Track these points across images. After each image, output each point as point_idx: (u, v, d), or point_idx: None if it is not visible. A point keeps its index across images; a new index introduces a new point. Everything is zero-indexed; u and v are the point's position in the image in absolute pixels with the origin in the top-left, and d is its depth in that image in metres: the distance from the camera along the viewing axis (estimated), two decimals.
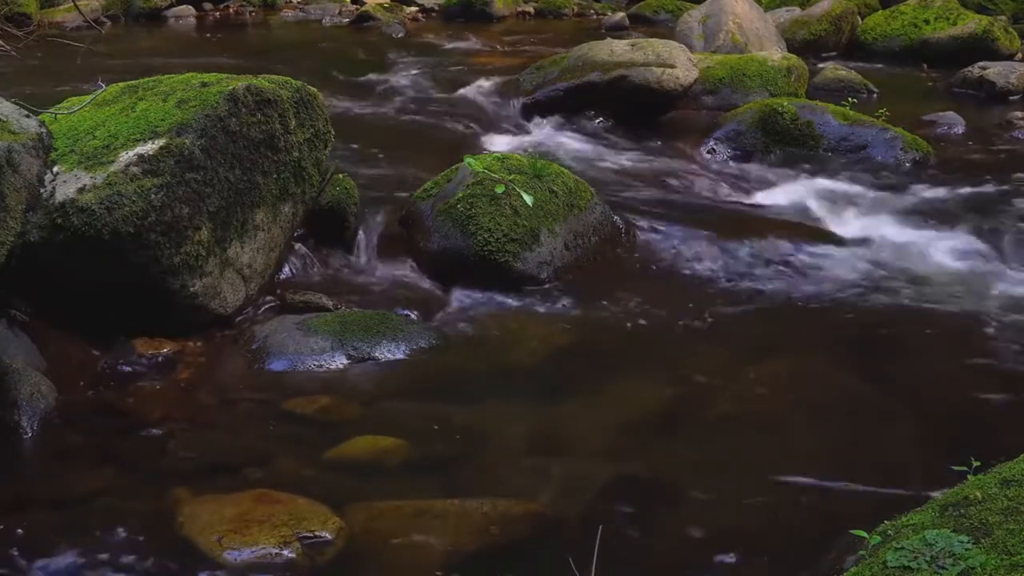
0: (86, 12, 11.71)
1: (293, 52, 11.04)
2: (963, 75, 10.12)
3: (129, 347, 4.54)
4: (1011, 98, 9.69)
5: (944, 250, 5.94)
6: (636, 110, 7.96)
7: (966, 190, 6.90)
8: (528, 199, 5.01)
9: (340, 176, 5.63)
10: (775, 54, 9.12)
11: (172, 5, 13.44)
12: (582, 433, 4.14)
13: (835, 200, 6.72)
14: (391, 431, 4.04)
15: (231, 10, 13.98)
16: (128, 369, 4.46)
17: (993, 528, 2.63)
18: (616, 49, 8.21)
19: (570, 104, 8.08)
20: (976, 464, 3.02)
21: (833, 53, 11.33)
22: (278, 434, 4.09)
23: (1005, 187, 7.02)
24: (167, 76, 5.16)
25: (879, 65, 10.94)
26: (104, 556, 3.30)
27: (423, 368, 4.59)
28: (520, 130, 7.95)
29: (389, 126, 8.01)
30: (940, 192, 6.89)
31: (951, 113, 8.83)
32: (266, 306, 5.04)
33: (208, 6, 13.84)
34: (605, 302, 5.25)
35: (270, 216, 5.03)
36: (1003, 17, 12.26)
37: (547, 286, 5.35)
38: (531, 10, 14.43)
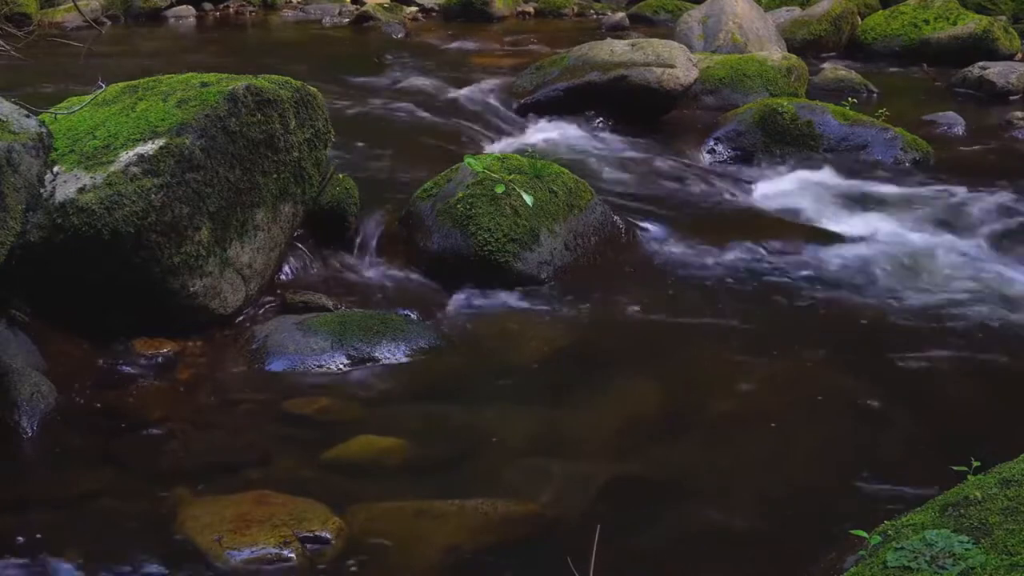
0: (86, 12, 11.71)
1: (293, 52, 11.04)
2: (963, 75, 10.13)
3: (129, 347, 4.54)
4: (1011, 98, 9.70)
5: (944, 250, 5.94)
6: (636, 110, 7.95)
7: (966, 190, 6.90)
8: (528, 199, 5.02)
9: (340, 176, 5.63)
10: (775, 54, 9.12)
11: (172, 5, 13.45)
12: (582, 433, 4.14)
13: (835, 200, 6.72)
14: (391, 431, 4.04)
15: (231, 10, 13.98)
16: (128, 369, 4.46)
17: (993, 528, 2.63)
18: (616, 49, 8.21)
19: (570, 104, 8.08)
20: (976, 464, 3.02)
21: (833, 53, 11.33)
22: (278, 434, 4.09)
23: (1005, 187, 7.02)
24: (167, 76, 5.16)
25: (879, 65, 10.95)
26: (104, 556, 3.30)
27: (423, 368, 4.59)
28: (520, 130, 7.95)
29: (389, 126, 8.00)
30: (940, 192, 6.90)
31: (951, 113, 8.84)
32: (266, 306, 5.04)
33: (208, 6, 13.84)
34: (605, 302, 5.24)
35: (270, 216, 5.03)
36: (1003, 17, 12.27)
37: (547, 286, 5.35)
38: (531, 10, 14.43)
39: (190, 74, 5.11)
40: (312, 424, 4.14)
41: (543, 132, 7.89)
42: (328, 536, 3.37)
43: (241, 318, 4.90)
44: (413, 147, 7.28)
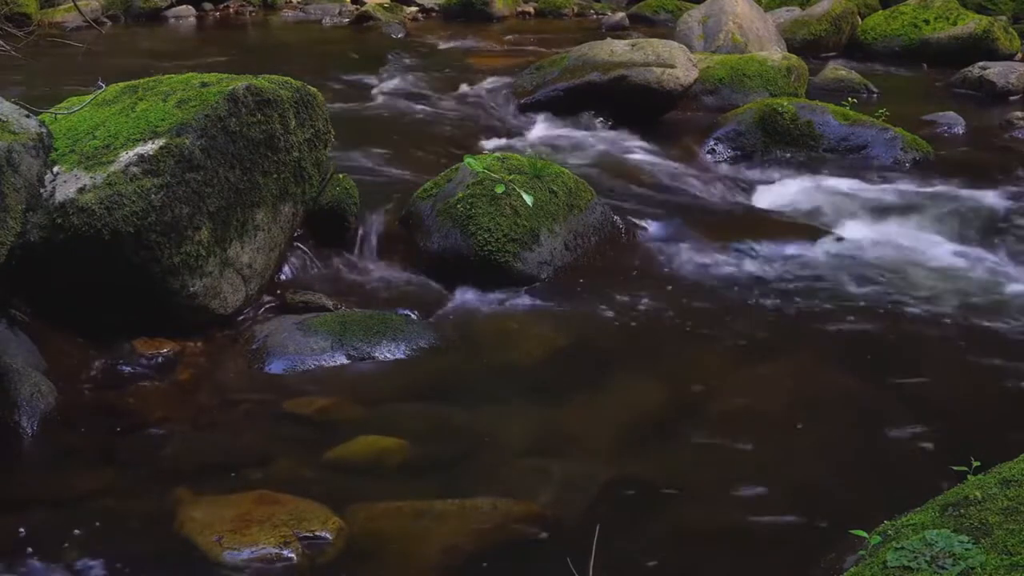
0: (86, 12, 11.72)
1: (293, 52, 11.05)
2: (963, 75, 10.13)
3: (129, 347, 4.54)
4: (1011, 98, 9.71)
5: (944, 250, 5.94)
6: (636, 110, 7.96)
7: (966, 190, 6.90)
8: (528, 199, 5.02)
9: (340, 176, 5.63)
10: (775, 54, 9.12)
11: (172, 5, 13.46)
12: (582, 433, 4.14)
13: (835, 200, 6.72)
14: (391, 431, 4.04)
15: (231, 10, 13.99)
16: (128, 369, 4.46)
17: (993, 528, 2.63)
18: (616, 49, 8.22)
19: (570, 104, 8.09)
20: (976, 464, 3.03)
21: (833, 53, 11.34)
22: (278, 434, 4.09)
23: (1005, 187, 7.03)
24: (167, 76, 5.16)
25: (879, 65, 10.96)
26: (104, 556, 3.30)
27: (423, 368, 4.59)
28: (520, 130, 7.95)
29: (389, 126, 8.01)
30: (940, 192, 6.90)
31: (951, 113, 8.84)
32: (266, 306, 5.04)
33: (208, 6, 13.85)
34: (605, 302, 5.24)
35: (270, 216, 5.03)
36: (1003, 17, 12.28)
37: (547, 286, 5.35)
38: (531, 10, 14.44)
39: (190, 74, 5.11)
40: (312, 424, 4.14)
41: (543, 132, 7.89)
42: (328, 536, 3.37)
43: (241, 318, 4.90)
44: (413, 147, 7.28)
